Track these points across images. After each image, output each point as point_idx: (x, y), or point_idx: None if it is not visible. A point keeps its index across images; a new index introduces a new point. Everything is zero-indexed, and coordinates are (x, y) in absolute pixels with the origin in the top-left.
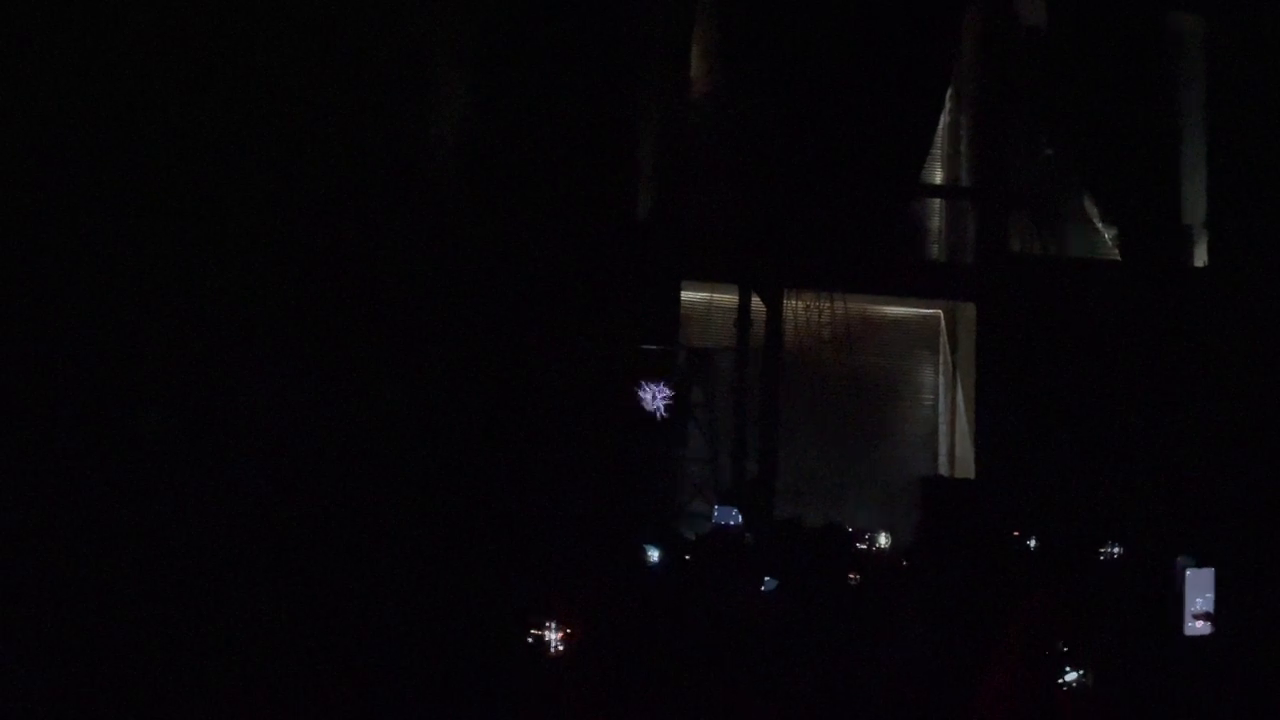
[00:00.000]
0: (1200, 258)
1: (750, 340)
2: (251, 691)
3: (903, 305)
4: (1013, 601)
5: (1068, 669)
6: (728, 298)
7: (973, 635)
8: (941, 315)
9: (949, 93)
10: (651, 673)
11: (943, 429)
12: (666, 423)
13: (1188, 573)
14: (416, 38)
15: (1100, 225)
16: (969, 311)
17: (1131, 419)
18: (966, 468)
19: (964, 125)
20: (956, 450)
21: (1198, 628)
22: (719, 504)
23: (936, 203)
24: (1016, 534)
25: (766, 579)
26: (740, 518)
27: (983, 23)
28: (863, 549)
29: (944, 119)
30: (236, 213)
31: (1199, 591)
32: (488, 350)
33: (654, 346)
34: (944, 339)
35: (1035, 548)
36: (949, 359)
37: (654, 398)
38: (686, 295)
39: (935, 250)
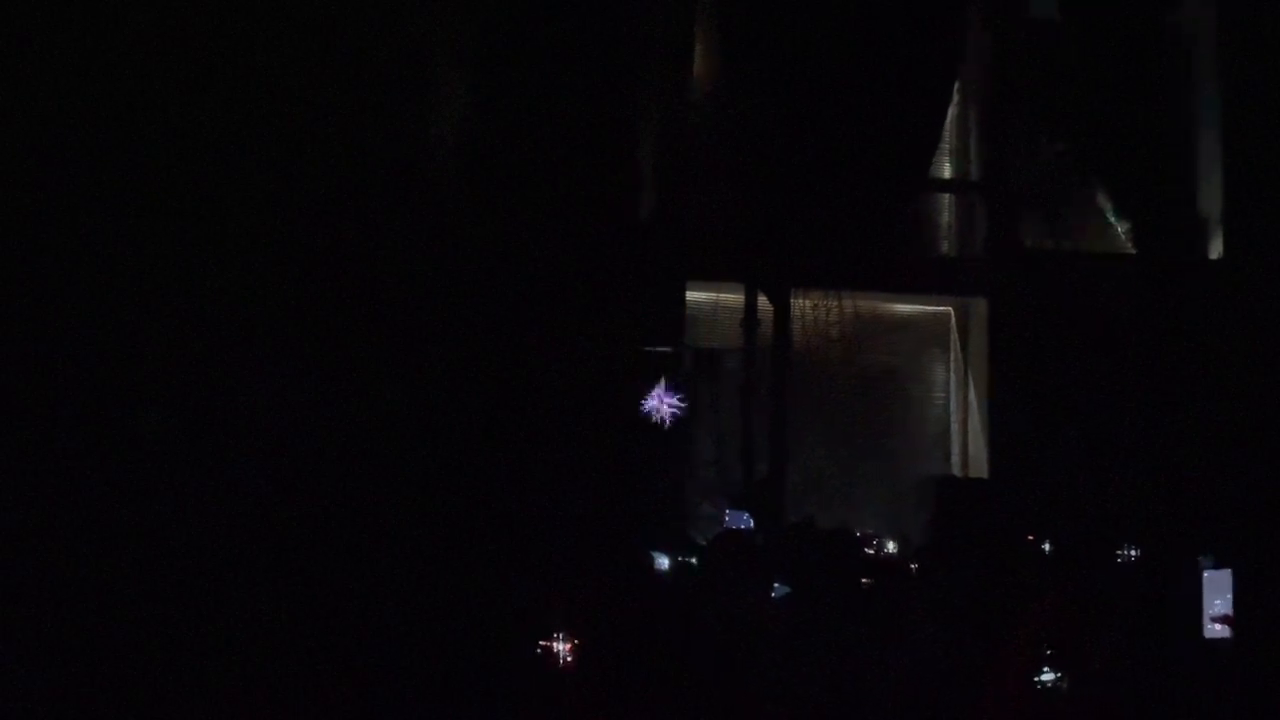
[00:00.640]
0: (1217, 250)
1: (758, 340)
2: (251, 691)
3: (913, 302)
4: (1025, 603)
5: (1046, 669)
6: (734, 298)
7: (985, 637)
8: (952, 312)
9: (957, 85)
10: (659, 677)
11: (954, 428)
12: (674, 425)
13: (1205, 574)
14: (416, 38)
15: (1114, 218)
16: (980, 308)
17: (1148, 416)
18: (980, 467)
19: (973, 118)
20: (969, 449)
21: (1216, 631)
22: (729, 507)
23: (946, 197)
24: (1031, 537)
25: (777, 585)
26: (752, 521)
27: (991, 13)
28: (871, 554)
29: (952, 111)
30: (236, 213)
31: (1217, 594)
32: (488, 350)
33: (657, 348)
34: (955, 336)
35: (1050, 549)
36: (960, 356)
37: (660, 403)
38: (692, 295)
39: (945, 246)
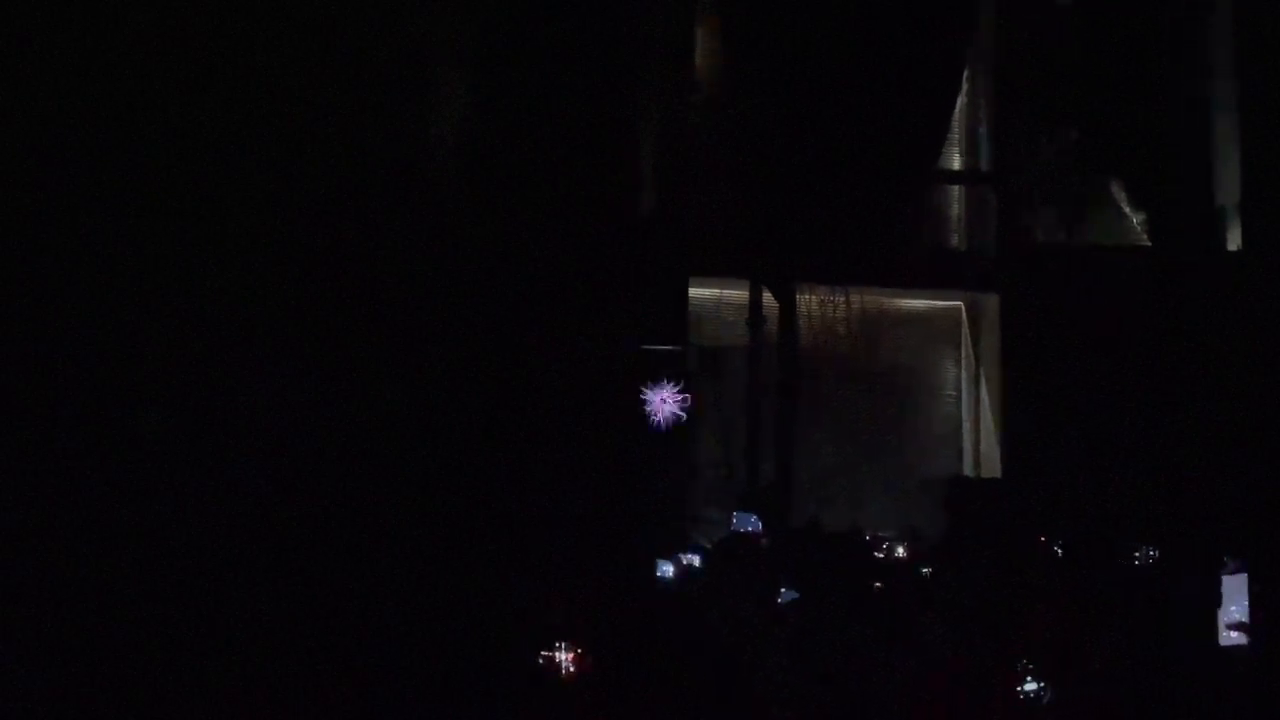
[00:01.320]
0: (1235, 241)
1: (763, 337)
2: (251, 691)
3: (921, 298)
4: (1036, 606)
5: (1029, 679)
6: (738, 294)
7: (994, 638)
8: (963, 307)
9: (966, 75)
10: (663, 679)
11: (966, 426)
12: (676, 425)
13: (1225, 579)
14: (416, 38)
15: (1128, 210)
16: (992, 303)
17: (1166, 413)
18: (992, 466)
19: (983, 109)
20: (981, 448)
21: (1233, 638)
22: (736, 509)
23: (955, 190)
24: (1043, 539)
25: (784, 590)
26: (759, 524)
27: (1001, 2)
28: (881, 556)
29: (961, 101)
30: (236, 212)
31: (1233, 599)
32: (488, 350)
33: (659, 346)
34: (965, 332)
35: (1063, 551)
36: (971, 353)
37: (663, 402)
38: (695, 292)
39: (955, 240)
